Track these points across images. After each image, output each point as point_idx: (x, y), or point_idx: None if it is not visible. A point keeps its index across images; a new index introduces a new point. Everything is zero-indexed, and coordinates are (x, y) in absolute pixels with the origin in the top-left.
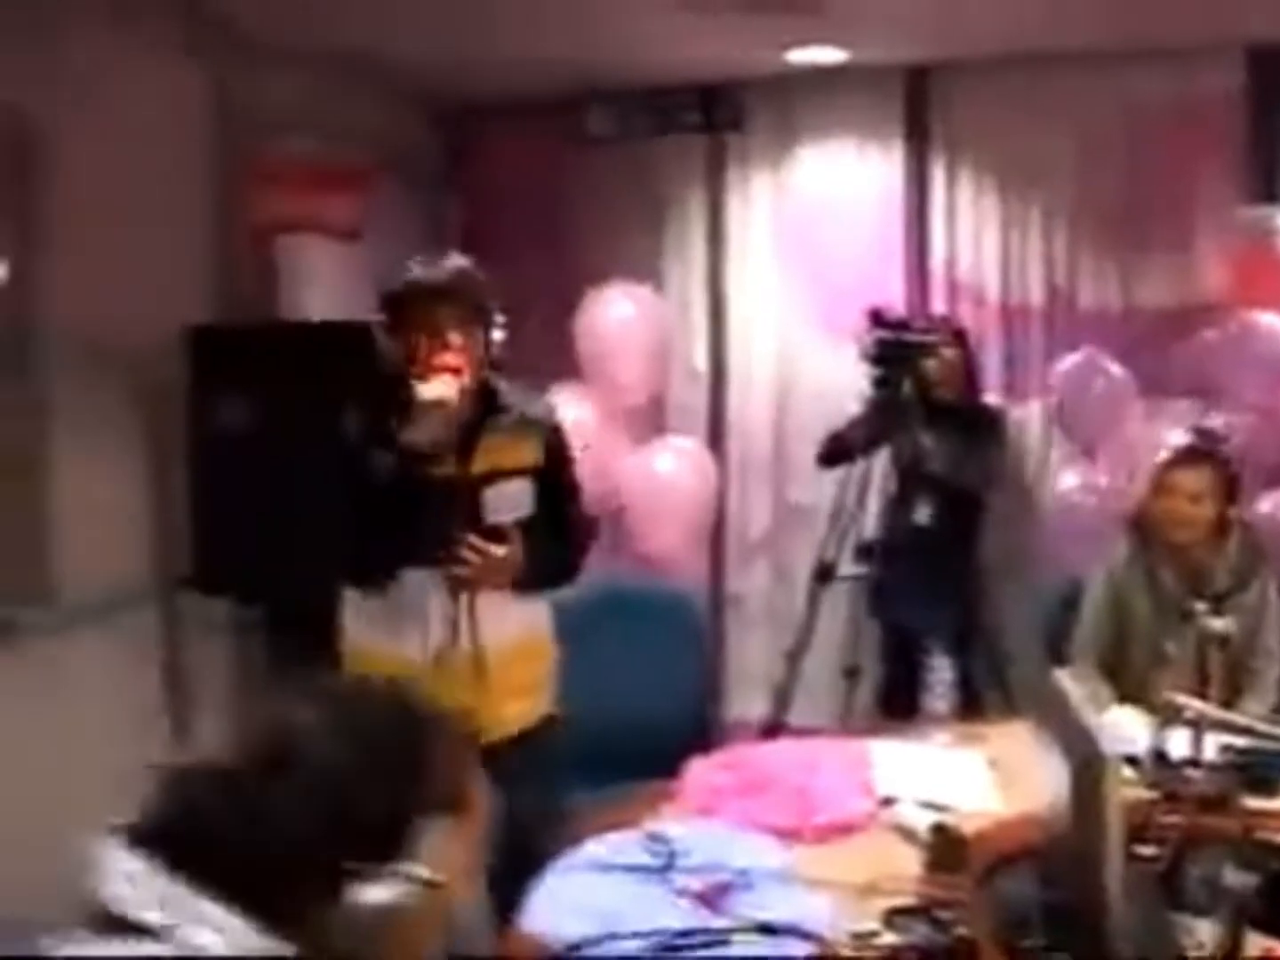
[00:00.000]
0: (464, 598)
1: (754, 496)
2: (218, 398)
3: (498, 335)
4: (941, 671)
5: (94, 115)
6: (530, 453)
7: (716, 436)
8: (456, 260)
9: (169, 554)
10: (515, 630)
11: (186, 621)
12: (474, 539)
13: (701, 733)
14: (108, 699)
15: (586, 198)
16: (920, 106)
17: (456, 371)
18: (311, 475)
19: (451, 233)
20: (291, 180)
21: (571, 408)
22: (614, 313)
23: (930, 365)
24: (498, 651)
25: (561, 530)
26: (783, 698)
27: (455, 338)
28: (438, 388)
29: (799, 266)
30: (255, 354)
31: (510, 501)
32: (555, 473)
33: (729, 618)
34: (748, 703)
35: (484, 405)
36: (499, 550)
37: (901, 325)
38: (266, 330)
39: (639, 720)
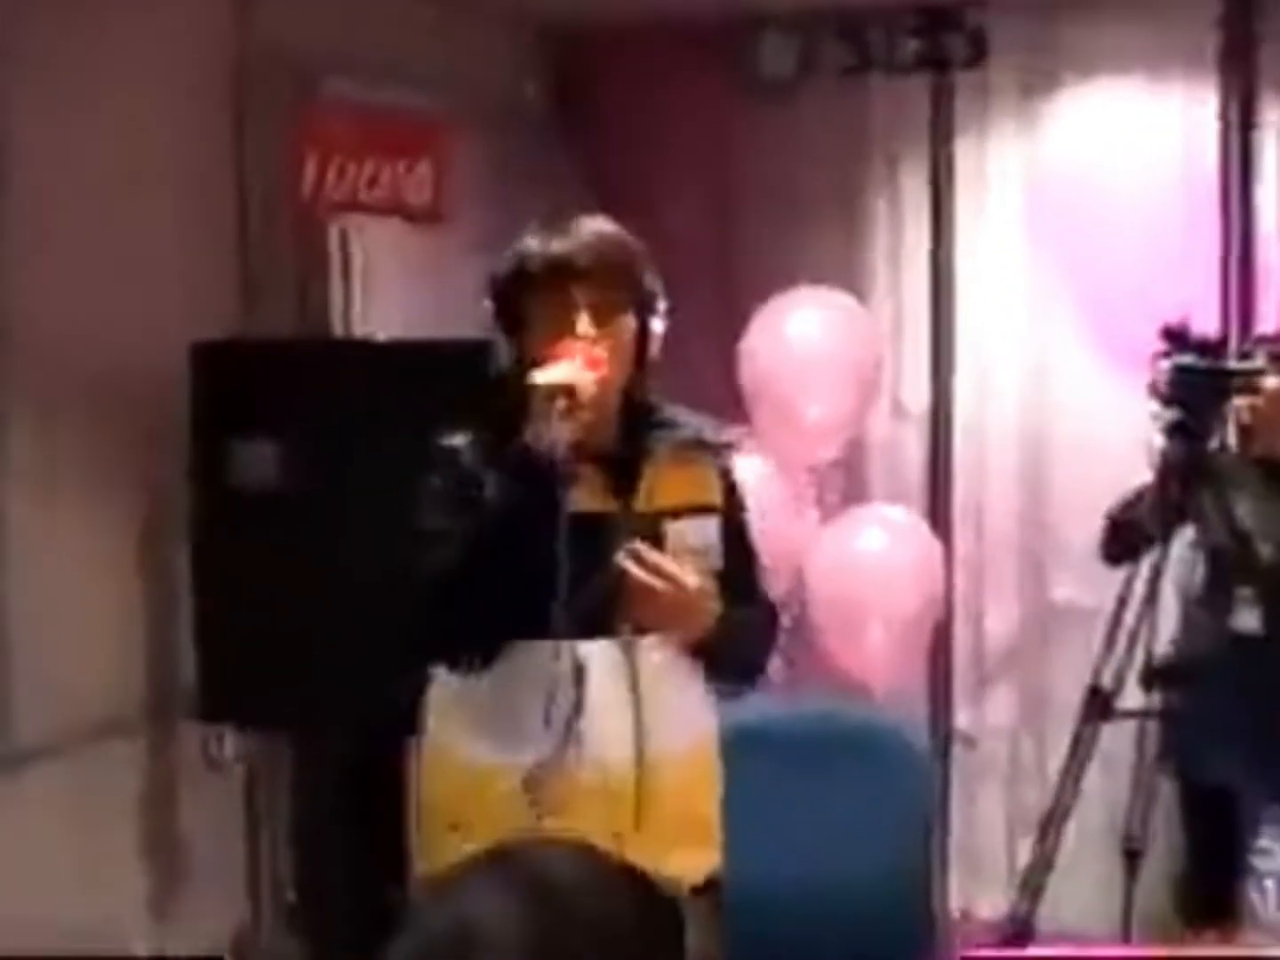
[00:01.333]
0: (624, 664)
1: (994, 593)
2: (238, 444)
3: (657, 326)
4: (1275, 856)
5: (69, 60)
6: (710, 488)
7: (939, 505)
8: (596, 222)
9: (164, 666)
10: (693, 734)
11: (184, 757)
12: (646, 549)
13: (920, 935)
14: (74, 854)
15: (757, 165)
16: (1243, 26)
17: (593, 364)
18: (372, 552)
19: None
20: (346, 140)
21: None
22: (796, 328)
23: (1254, 405)
24: (671, 762)
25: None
26: (1032, 887)
27: (588, 328)
28: (563, 369)
29: (1059, 262)
30: (293, 384)
31: (697, 546)
32: (733, 525)
33: (955, 766)
34: (980, 891)
35: (640, 419)
36: (688, 577)
37: (1212, 347)
38: (310, 351)
39: (826, 907)
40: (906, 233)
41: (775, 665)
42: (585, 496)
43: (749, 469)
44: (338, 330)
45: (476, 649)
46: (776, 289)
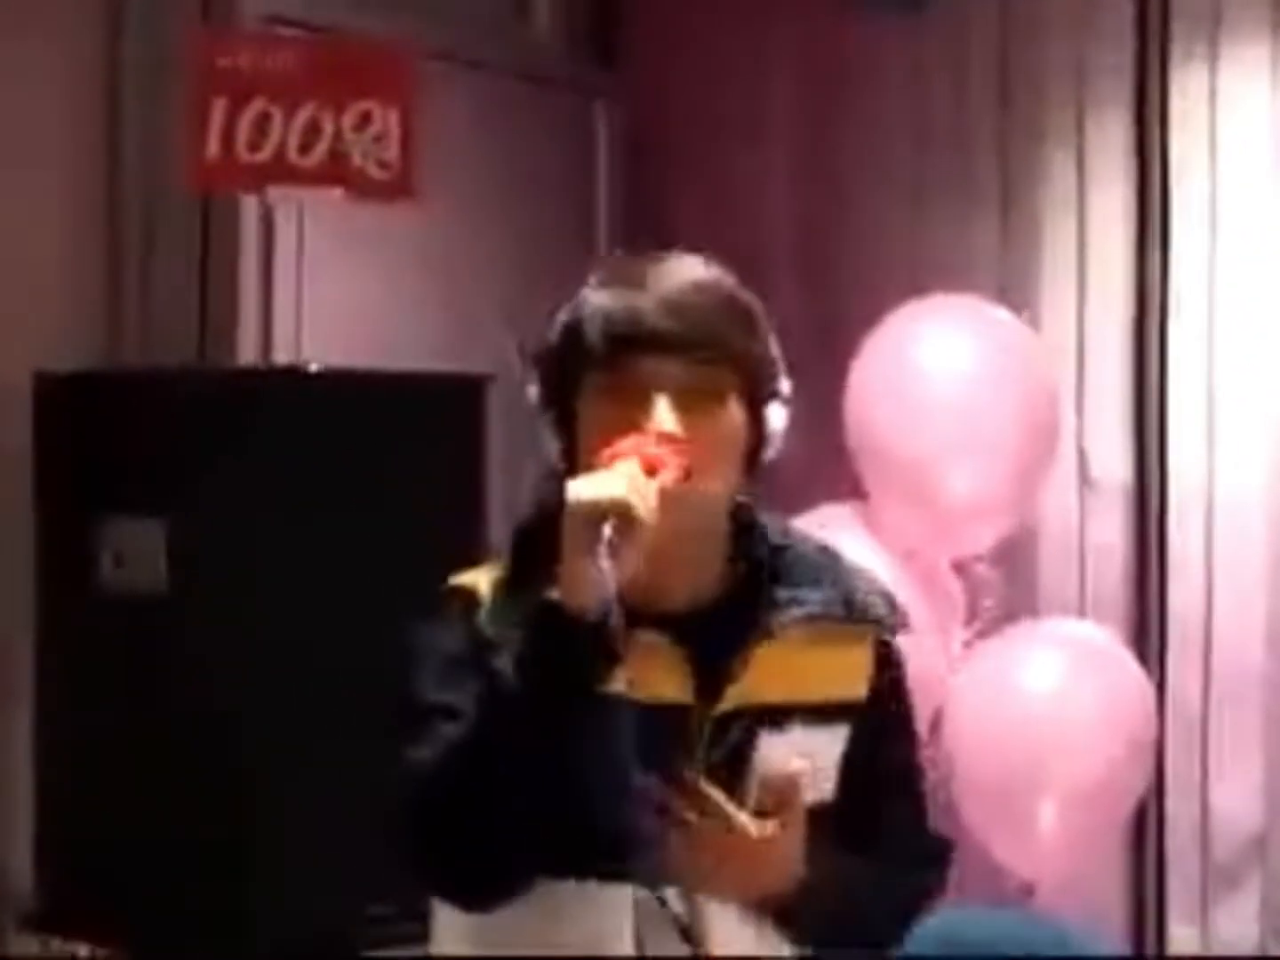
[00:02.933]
0: (673, 918)
1: (1229, 754)
2: (107, 524)
3: (775, 422)
4: None
5: None
6: (850, 678)
7: (1148, 622)
8: (685, 266)
9: None
10: None
11: None
12: (704, 783)
13: None
14: None
15: (872, 119)
16: None
17: (662, 467)
18: (313, 700)
19: (597, 189)
20: (271, 81)
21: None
22: (929, 357)
23: None
24: None
25: (882, 830)
26: None
27: (669, 419)
28: (608, 481)
29: None
30: (187, 432)
31: (812, 767)
32: (885, 720)
33: None
34: None
35: (750, 569)
36: (763, 826)
37: None
38: (213, 385)
39: None
40: (1093, 217)
41: None
42: (652, 679)
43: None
44: (252, 356)
45: (480, 884)
46: (898, 298)
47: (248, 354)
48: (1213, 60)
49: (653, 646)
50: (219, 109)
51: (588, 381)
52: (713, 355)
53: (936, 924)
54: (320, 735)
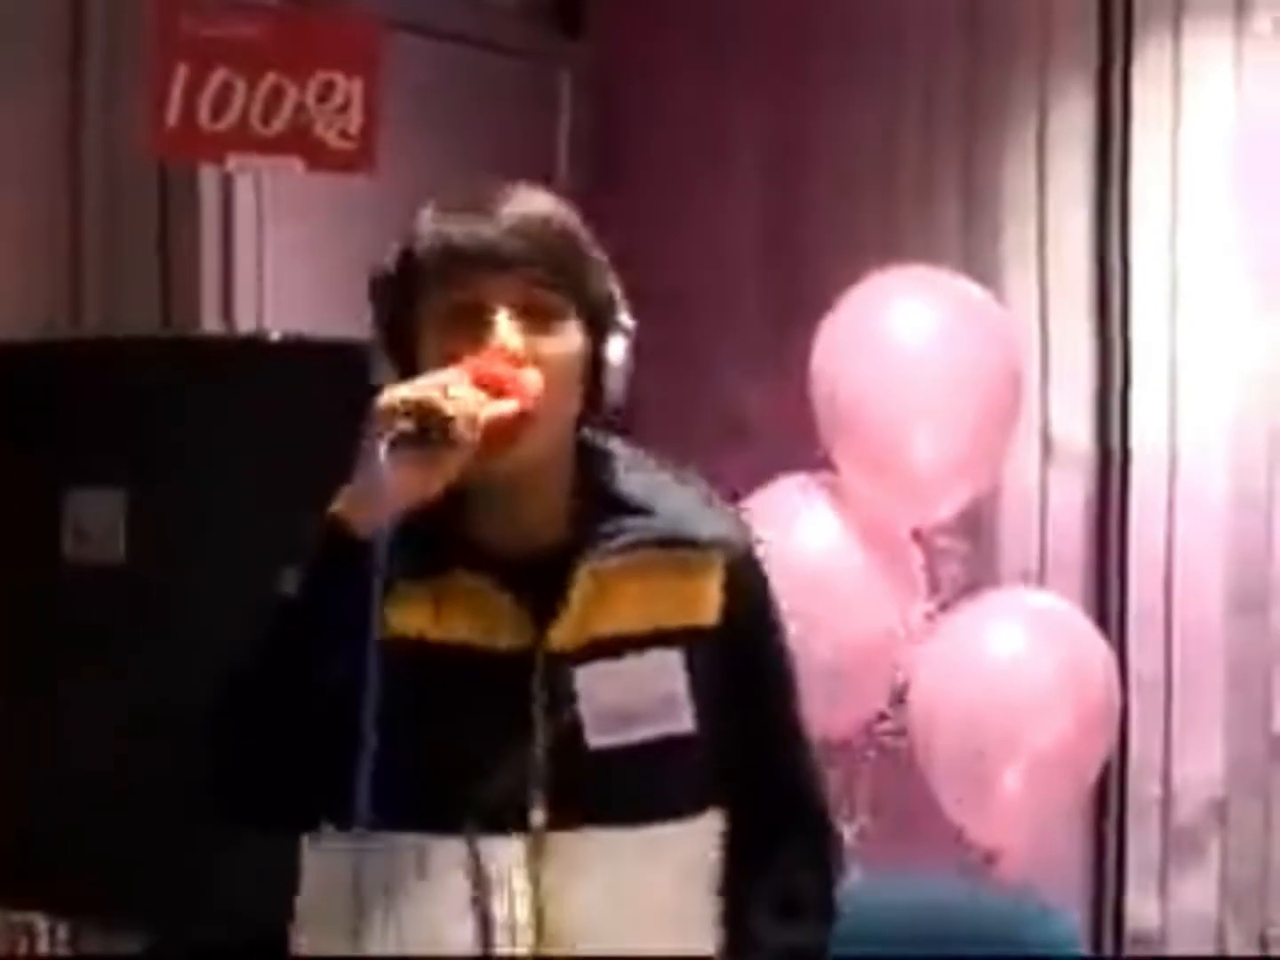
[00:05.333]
0: (518, 865)
1: (1189, 726)
2: (58, 492)
3: (615, 351)
4: None
5: None
6: (694, 604)
7: (1109, 592)
8: (528, 198)
9: None
10: (643, 931)
11: None
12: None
13: None
14: None
15: (837, 97)
16: None
17: (492, 383)
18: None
19: (560, 159)
20: (231, 49)
21: (804, 524)
22: (894, 327)
23: None
24: None
25: (761, 782)
26: None
27: (509, 336)
28: (425, 382)
29: None
30: (144, 402)
31: (635, 702)
32: (750, 649)
33: None
34: None
35: (585, 496)
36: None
37: None
38: (171, 353)
39: None
40: (1061, 194)
41: (859, 827)
42: (484, 623)
43: (821, 535)
44: (212, 324)
45: (258, 807)
46: (862, 270)
47: (210, 323)
48: (1175, 42)
49: (480, 591)
50: (181, 77)
51: (425, 304)
52: (554, 276)
53: (904, 885)
54: None
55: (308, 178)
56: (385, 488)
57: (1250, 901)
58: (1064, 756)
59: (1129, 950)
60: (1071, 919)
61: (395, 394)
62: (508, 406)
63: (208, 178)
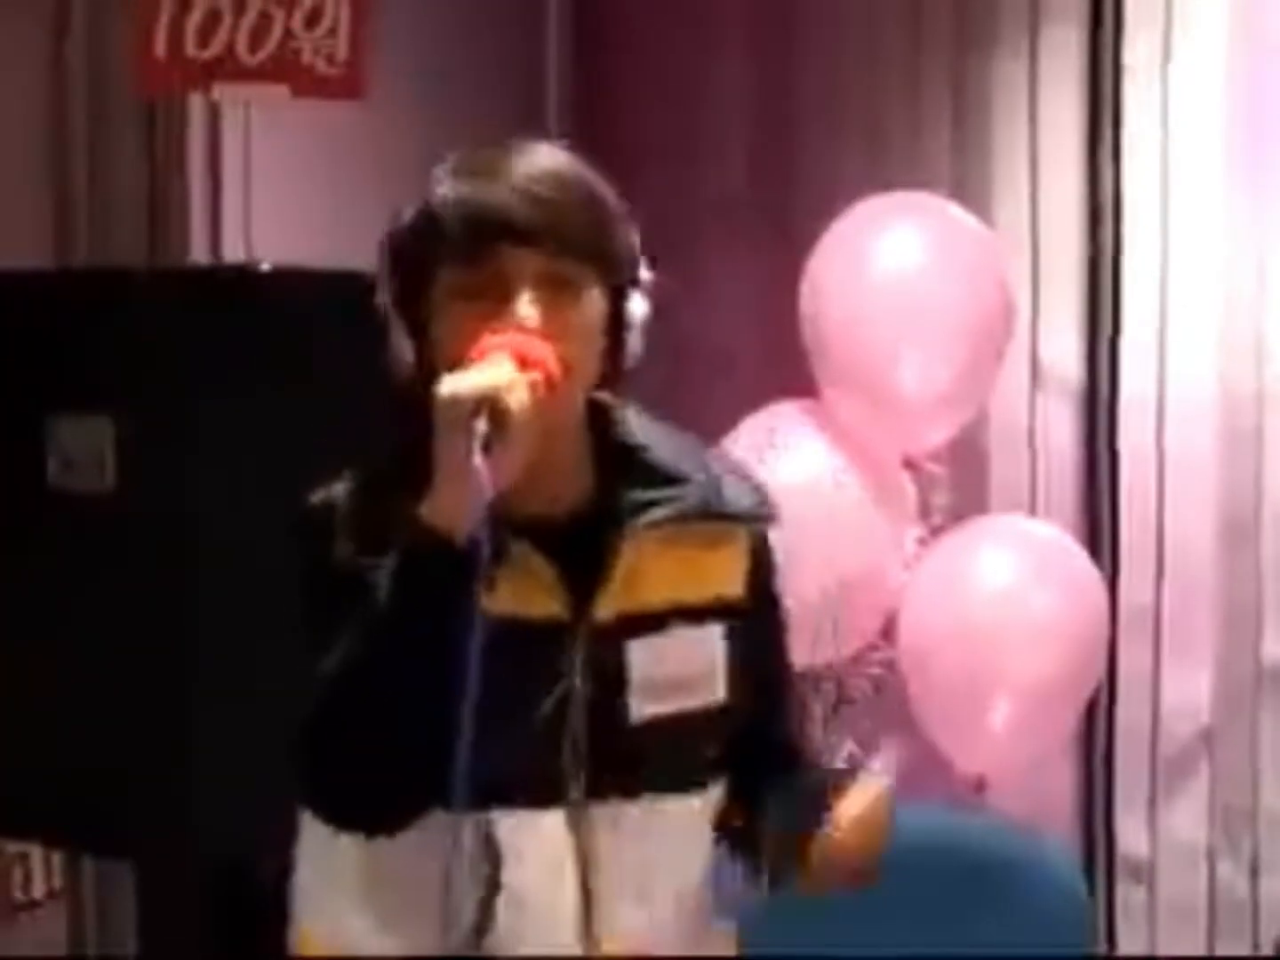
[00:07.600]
0: (570, 836)
1: (1178, 652)
2: (45, 421)
3: (637, 312)
4: None
5: None
6: (722, 575)
7: (1099, 520)
8: (542, 155)
9: None
10: (675, 914)
11: None
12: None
13: None
14: None
15: (824, 21)
16: None
17: (535, 364)
18: (249, 605)
19: (548, 81)
20: None
21: (792, 452)
22: (882, 254)
23: None
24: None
25: (770, 735)
26: None
27: (530, 311)
28: (481, 375)
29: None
30: (134, 332)
31: (680, 674)
32: (765, 618)
33: (1123, 907)
34: None
35: (617, 456)
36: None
37: None
38: (159, 284)
39: None
40: (1049, 122)
41: (848, 757)
42: (523, 593)
43: (810, 463)
44: (201, 255)
45: (367, 810)
46: (850, 198)
47: (198, 254)
48: None
49: (523, 557)
50: (167, 5)
51: (444, 276)
52: (574, 246)
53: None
54: (265, 634)
55: (298, 107)
56: (483, 493)
57: (1240, 829)
58: (1054, 683)
59: (1120, 878)
60: (1070, 851)
61: (458, 390)
62: (536, 378)
63: (195, 106)
